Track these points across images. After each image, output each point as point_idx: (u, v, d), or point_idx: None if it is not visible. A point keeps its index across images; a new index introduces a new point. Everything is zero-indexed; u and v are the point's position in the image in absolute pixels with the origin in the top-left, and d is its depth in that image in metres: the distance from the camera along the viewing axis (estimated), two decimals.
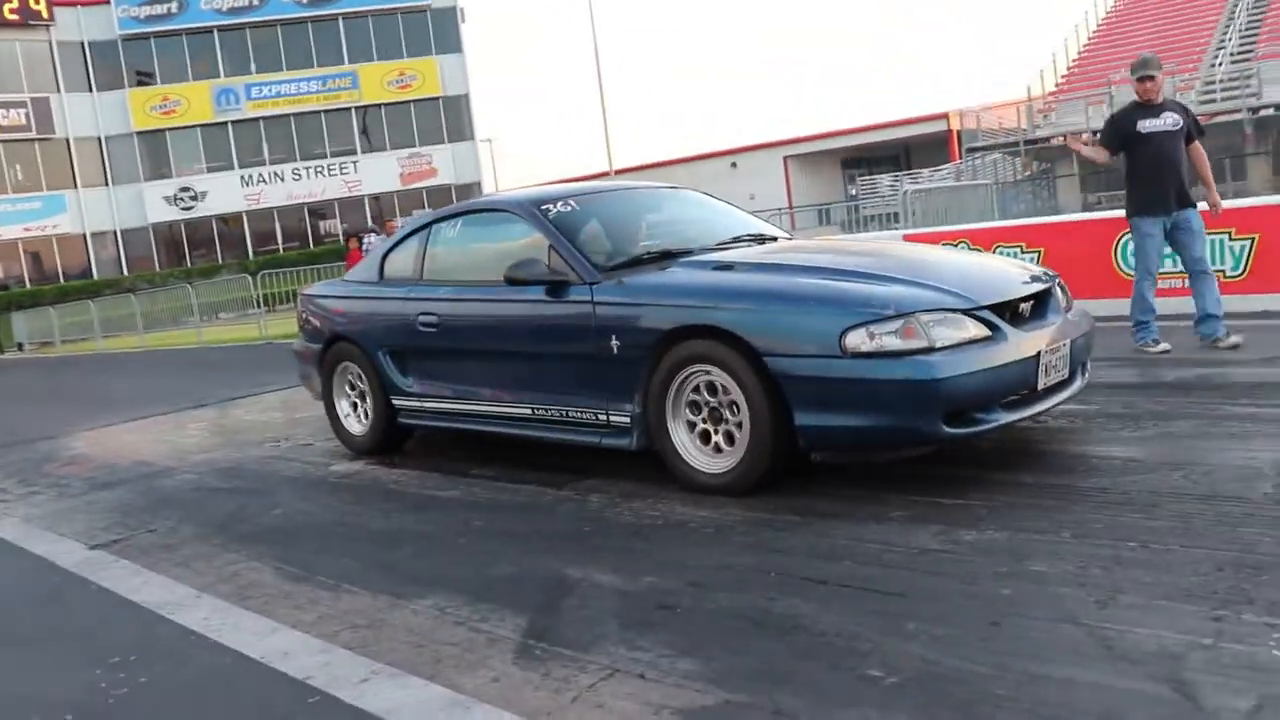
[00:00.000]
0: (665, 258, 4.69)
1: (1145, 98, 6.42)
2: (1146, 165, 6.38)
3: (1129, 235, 8.21)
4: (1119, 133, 6.52)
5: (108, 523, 5.06)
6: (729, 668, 2.59)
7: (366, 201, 41.79)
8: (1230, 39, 29.46)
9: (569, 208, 5.03)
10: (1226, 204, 6.98)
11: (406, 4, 41.51)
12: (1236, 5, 31.34)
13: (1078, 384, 4.39)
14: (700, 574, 3.30)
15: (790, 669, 2.56)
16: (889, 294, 3.86)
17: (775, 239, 5.27)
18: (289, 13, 41.03)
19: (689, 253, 4.75)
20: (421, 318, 5.30)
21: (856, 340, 3.70)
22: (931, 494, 3.84)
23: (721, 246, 4.92)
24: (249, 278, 23.56)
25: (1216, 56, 28.31)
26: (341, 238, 38.32)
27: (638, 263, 4.66)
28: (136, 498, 5.60)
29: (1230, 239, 7.68)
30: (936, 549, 3.28)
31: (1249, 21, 30.21)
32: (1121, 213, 8.39)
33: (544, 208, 4.98)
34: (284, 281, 24.56)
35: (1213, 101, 25.47)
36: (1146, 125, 6.37)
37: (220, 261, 39.08)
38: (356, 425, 5.96)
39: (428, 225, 5.70)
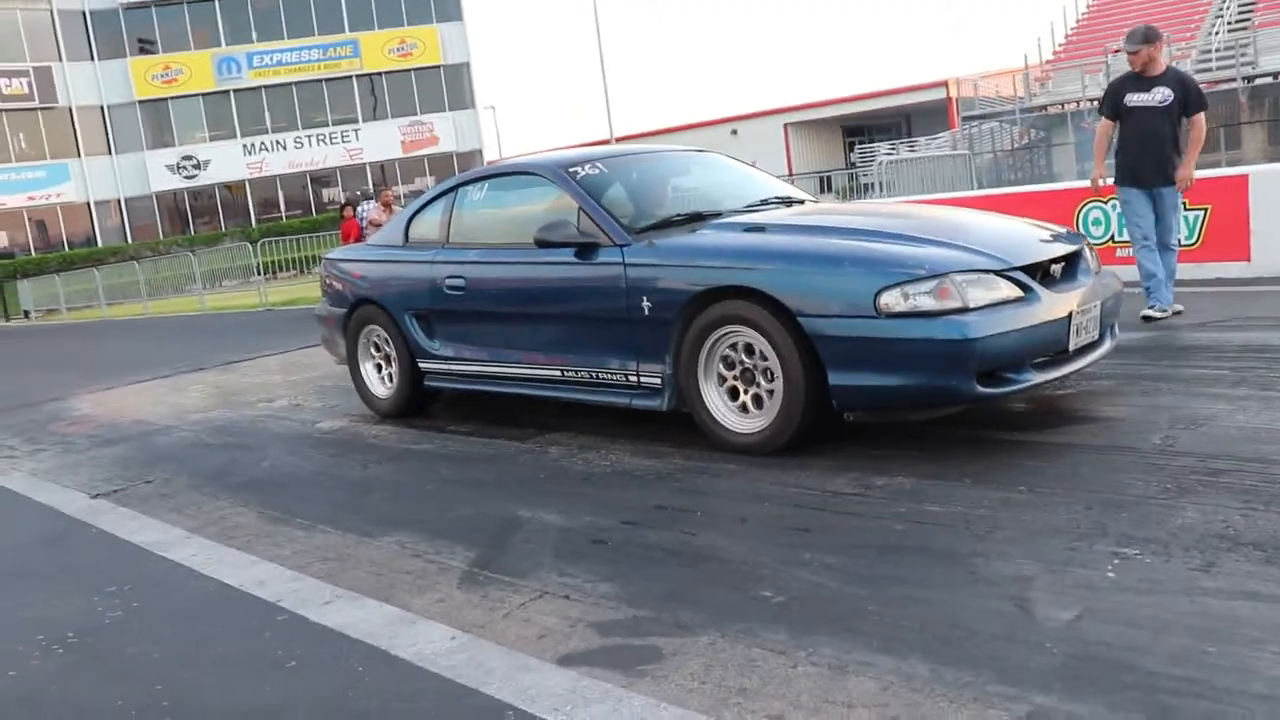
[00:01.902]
0: (695, 220, 4.76)
1: (1136, 69, 6.49)
2: (1128, 138, 6.51)
3: (1090, 204, 8.59)
4: (1111, 103, 6.61)
5: (109, 475, 5.45)
6: (643, 590, 2.97)
7: (368, 169, 42.07)
8: (1229, 7, 29.52)
9: (597, 171, 5.06)
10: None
11: None
12: None
13: (1107, 345, 4.47)
14: (635, 514, 3.68)
15: (696, 591, 2.93)
16: (923, 254, 3.93)
17: (802, 202, 5.35)
18: None
19: (718, 215, 4.82)
20: (449, 280, 5.37)
21: (891, 300, 3.76)
22: (858, 445, 4.19)
23: (750, 209, 5.00)
24: (250, 246, 23.90)
25: (1214, 25, 28.38)
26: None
27: (667, 225, 4.73)
28: (136, 453, 5.99)
29: (1185, 209, 7.99)
30: (848, 492, 3.64)
31: None
32: (1082, 183, 8.71)
33: (572, 170, 5.01)
34: (285, 249, 24.91)
35: (1209, 70, 25.59)
36: (1133, 99, 6.45)
37: (223, 230, 39.44)
38: (381, 388, 6.04)
39: (454, 189, 5.77)
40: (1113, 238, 8.32)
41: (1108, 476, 3.51)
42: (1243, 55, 25.16)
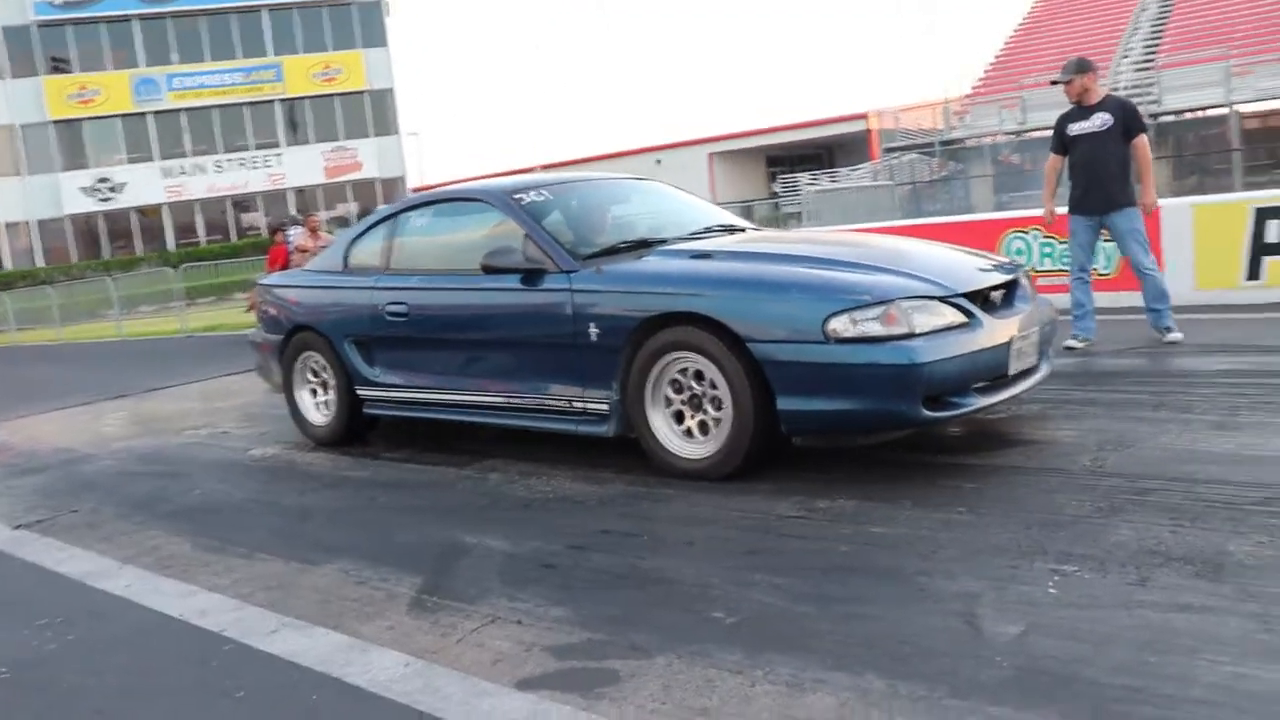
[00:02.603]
0: (641, 246, 4.79)
1: (1073, 99, 6.63)
2: (1075, 167, 6.63)
3: (1012, 234, 8.85)
4: (1057, 136, 6.74)
5: (30, 505, 5.29)
6: (595, 613, 2.98)
7: (290, 194, 41.52)
8: (1134, 48, 30.70)
9: (543, 197, 5.08)
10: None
11: None
12: (1140, 16, 32.64)
13: (1044, 370, 4.61)
14: (581, 538, 3.68)
15: (648, 613, 2.95)
16: (869, 281, 4.01)
17: (744, 230, 5.39)
18: (212, 3, 40.61)
19: (663, 242, 4.85)
20: (390, 307, 5.32)
21: (839, 326, 3.82)
22: (799, 469, 4.25)
23: (694, 236, 5.03)
24: (170, 270, 23.39)
25: (1120, 65, 29.46)
26: (265, 231, 38.05)
27: (614, 251, 4.74)
28: (58, 482, 5.83)
29: (1101, 241, 8.28)
30: (792, 515, 3.70)
31: (1151, 31, 31.51)
32: (1003, 214, 8.96)
33: (518, 196, 5.03)
34: (206, 275, 24.44)
35: None
36: (1075, 128, 6.55)
37: (139, 254, 38.58)
38: (318, 415, 5.96)
39: (395, 215, 5.73)
40: (1033, 266, 8.57)
41: (1043, 497, 3.61)
42: (1148, 94, 26.14)
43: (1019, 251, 8.69)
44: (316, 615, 3.20)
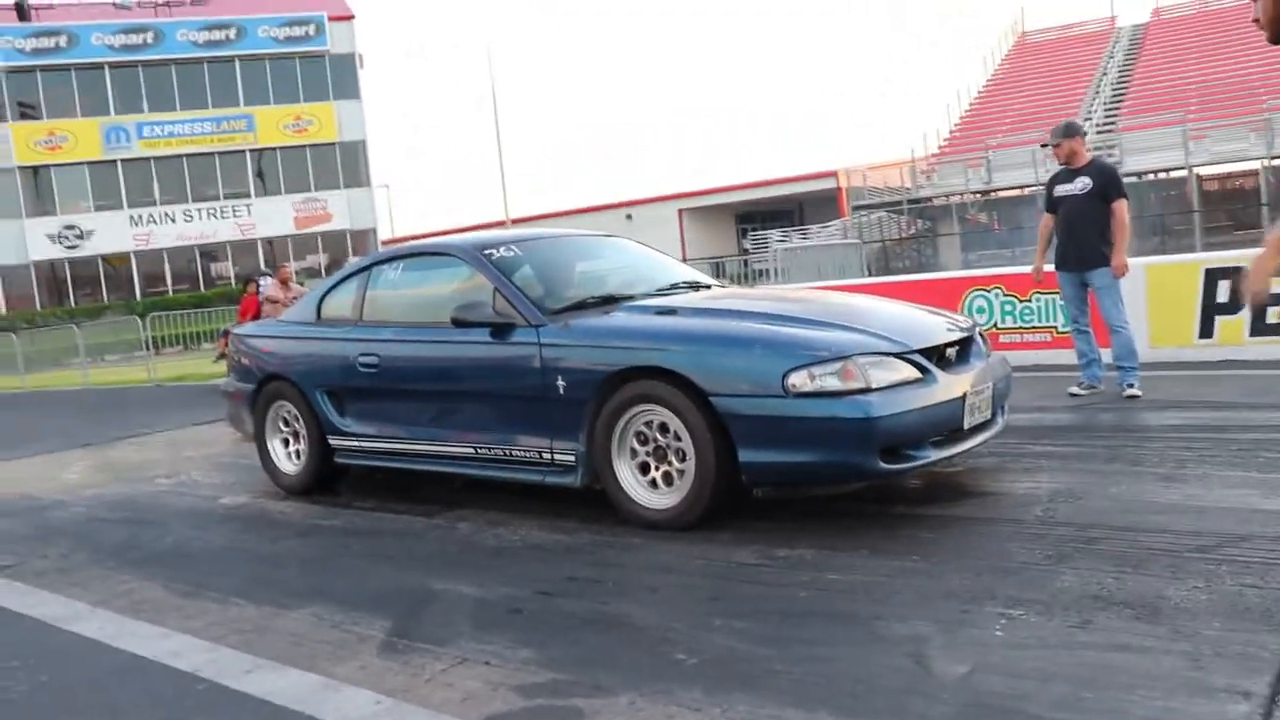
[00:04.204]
0: (608, 302, 4.96)
1: (1061, 161, 6.93)
2: (1059, 226, 6.92)
3: (974, 293, 9.11)
4: (1047, 197, 7.08)
5: None
6: (562, 655, 3.10)
7: (260, 244, 41.53)
8: (1096, 110, 31.54)
9: (512, 253, 5.23)
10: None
11: (305, 49, 41.67)
12: (1102, 80, 33.61)
13: (999, 424, 4.79)
14: (548, 585, 3.81)
15: (613, 655, 3.08)
16: (828, 338, 4.19)
17: (709, 286, 5.58)
18: (184, 52, 40.75)
19: (630, 298, 5.03)
20: (362, 358, 5.43)
21: (798, 380, 3.98)
22: (758, 519, 4.40)
23: (661, 292, 5.21)
24: (137, 319, 23.35)
25: (1083, 127, 30.24)
26: (234, 281, 38.08)
27: (581, 306, 4.90)
28: (26, 529, 5.86)
29: (1059, 300, 8.55)
30: (752, 563, 3.84)
31: (1113, 95, 32.42)
32: (966, 273, 9.25)
33: (488, 252, 5.17)
34: (173, 324, 24.39)
35: None
36: (1060, 189, 6.88)
37: (106, 302, 38.36)
38: (289, 464, 6.02)
39: (368, 268, 5.87)
40: (995, 324, 8.82)
41: (995, 546, 3.78)
42: (1110, 156, 26.81)
43: (980, 310, 8.95)
44: (290, 656, 3.30)
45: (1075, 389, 6.90)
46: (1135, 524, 3.84)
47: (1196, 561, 3.37)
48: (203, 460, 7.78)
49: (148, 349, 21.40)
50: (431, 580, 4.01)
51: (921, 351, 4.29)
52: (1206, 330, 7.98)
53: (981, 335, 4.96)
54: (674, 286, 5.40)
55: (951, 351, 4.53)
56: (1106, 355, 6.88)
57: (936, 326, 4.65)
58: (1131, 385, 6.63)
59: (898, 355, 4.19)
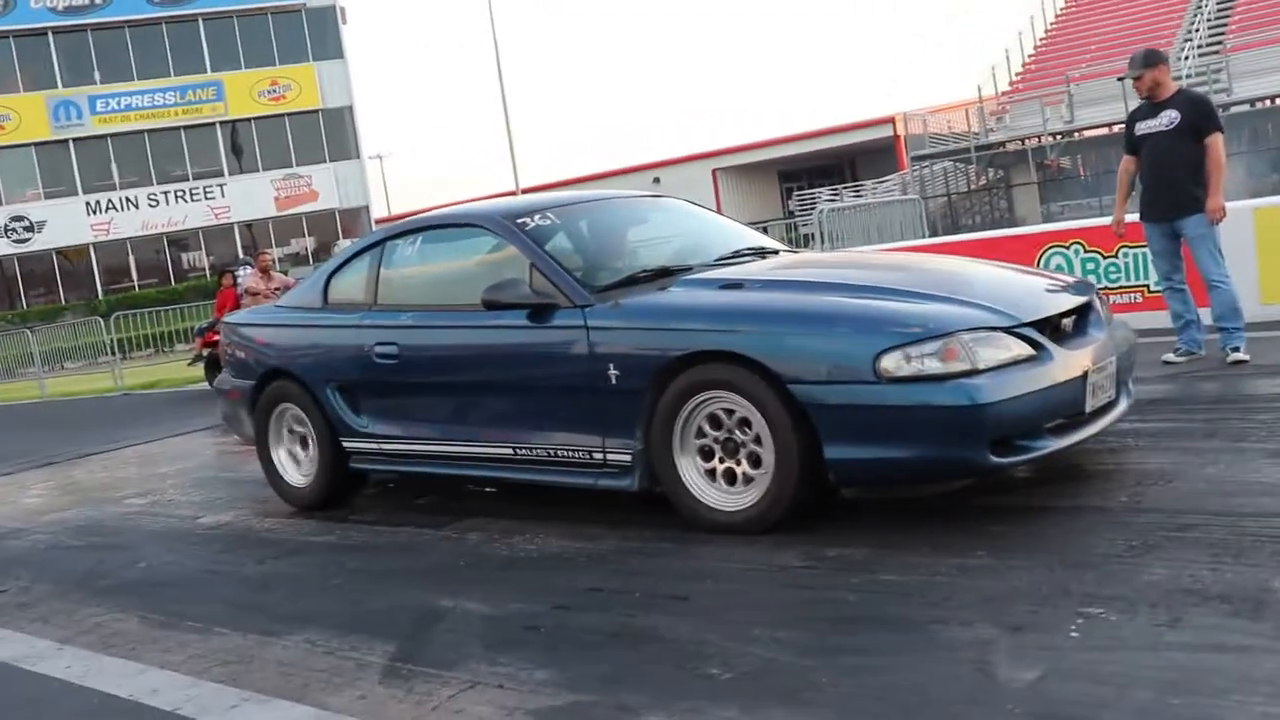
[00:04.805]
0: (663, 275, 4.86)
1: (1142, 95, 6.91)
2: (1143, 170, 6.89)
3: (1051, 250, 9.10)
4: (1127, 136, 7.03)
5: None
6: (582, 674, 3.19)
7: (237, 229, 41.92)
8: (1198, 30, 31.13)
9: (549, 221, 5.13)
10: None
11: (278, 3, 41.87)
12: None
13: (1123, 405, 4.63)
14: (568, 598, 3.90)
15: (639, 672, 3.17)
16: (924, 311, 4.08)
17: (778, 253, 5.46)
18: (138, 12, 40.94)
19: (688, 270, 4.93)
20: (378, 348, 5.36)
21: (893, 364, 3.88)
22: (807, 516, 4.43)
23: (722, 261, 5.09)
24: (100, 320, 23.67)
25: (1183, 49, 29.90)
26: (208, 272, 38.44)
27: (632, 282, 4.80)
28: None
29: (1148, 254, 8.53)
30: (798, 565, 3.91)
31: (1218, 10, 31.93)
32: (1040, 228, 9.23)
33: (521, 221, 5.08)
34: (141, 324, 24.65)
35: None
36: (1142, 126, 6.83)
37: (63, 302, 38.91)
38: (297, 475, 5.98)
39: (379, 243, 5.78)
40: None
41: (1072, 537, 3.83)
42: (1215, 81, 26.50)
43: (1058, 269, 8.93)
44: (280, 688, 3.41)
45: (1170, 356, 6.88)
46: (1236, 508, 3.87)
47: None
48: (179, 476, 7.93)
49: (113, 353, 21.69)
50: (438, 597, 4.11)
51: (1034, 324, 4.17)
52: None
53: (1101, 299, 4.81)
54: (737, 254, 5.27)
55: (1068, 322, 4.41)
56: (1206, 316, 6.87)
57: (1049, 293, 4.56)
58: (1236, 349, 6.61)
59: (1007, 330, 4.08)
